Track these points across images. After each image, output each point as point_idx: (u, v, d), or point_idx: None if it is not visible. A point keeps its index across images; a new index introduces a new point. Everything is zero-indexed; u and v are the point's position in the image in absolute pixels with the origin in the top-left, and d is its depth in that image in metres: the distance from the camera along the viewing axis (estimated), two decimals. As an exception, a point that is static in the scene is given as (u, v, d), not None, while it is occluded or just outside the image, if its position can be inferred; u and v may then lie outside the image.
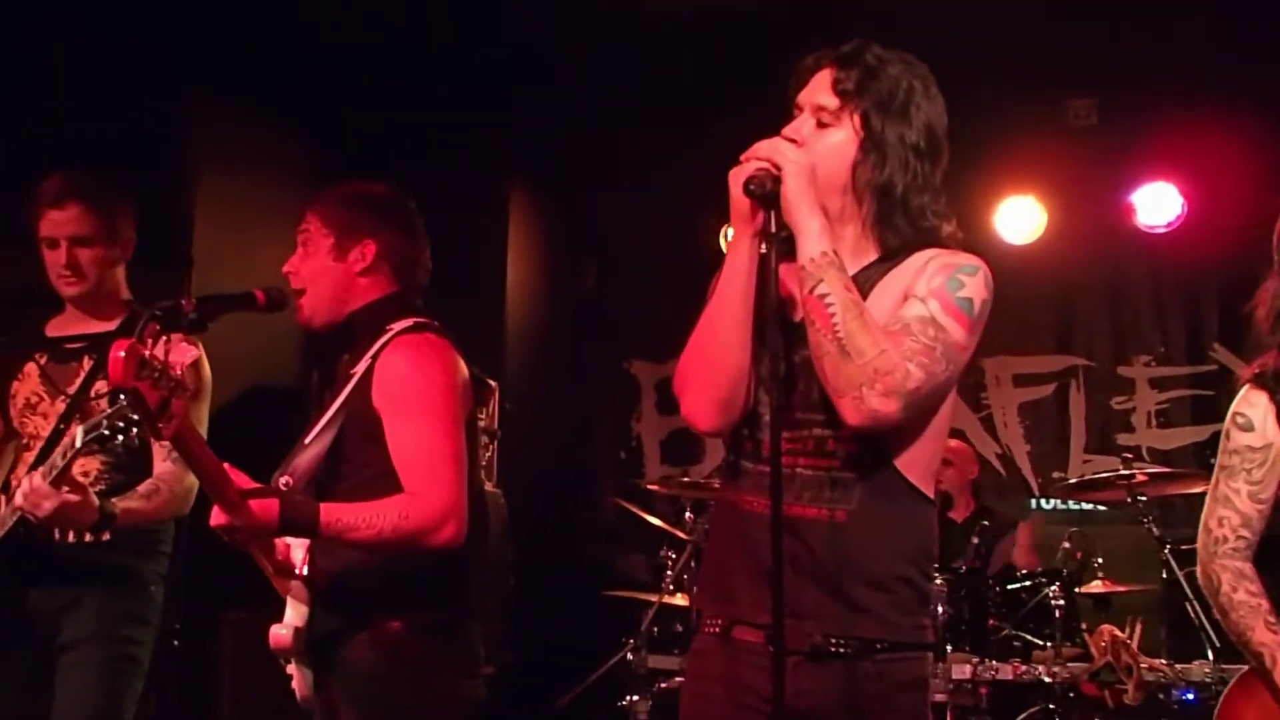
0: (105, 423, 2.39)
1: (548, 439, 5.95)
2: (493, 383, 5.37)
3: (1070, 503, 5.57)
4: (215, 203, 4.65)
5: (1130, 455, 4.28)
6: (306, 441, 2.31)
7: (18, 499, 2.56)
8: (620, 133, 5.53)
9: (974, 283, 1.87)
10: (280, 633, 2.32)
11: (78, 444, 2.43)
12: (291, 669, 2.40)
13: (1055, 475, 5.70)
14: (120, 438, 2.41)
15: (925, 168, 1.91)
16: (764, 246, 1.81)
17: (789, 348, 1.86)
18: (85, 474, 2.76)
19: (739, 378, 1.86)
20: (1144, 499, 4.12)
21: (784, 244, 1.81)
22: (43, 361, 2.90)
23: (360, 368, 2.33)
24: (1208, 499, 2.29)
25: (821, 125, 1.89)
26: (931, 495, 1.92)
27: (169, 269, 4.28)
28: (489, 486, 5.26)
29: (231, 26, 4.40)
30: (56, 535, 2.75)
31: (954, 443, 5.37)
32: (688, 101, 5.24)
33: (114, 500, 2.68)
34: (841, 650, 1.82)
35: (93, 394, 2.77)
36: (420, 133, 5.28)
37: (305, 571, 2.35)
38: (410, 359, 2.29)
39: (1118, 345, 5.85)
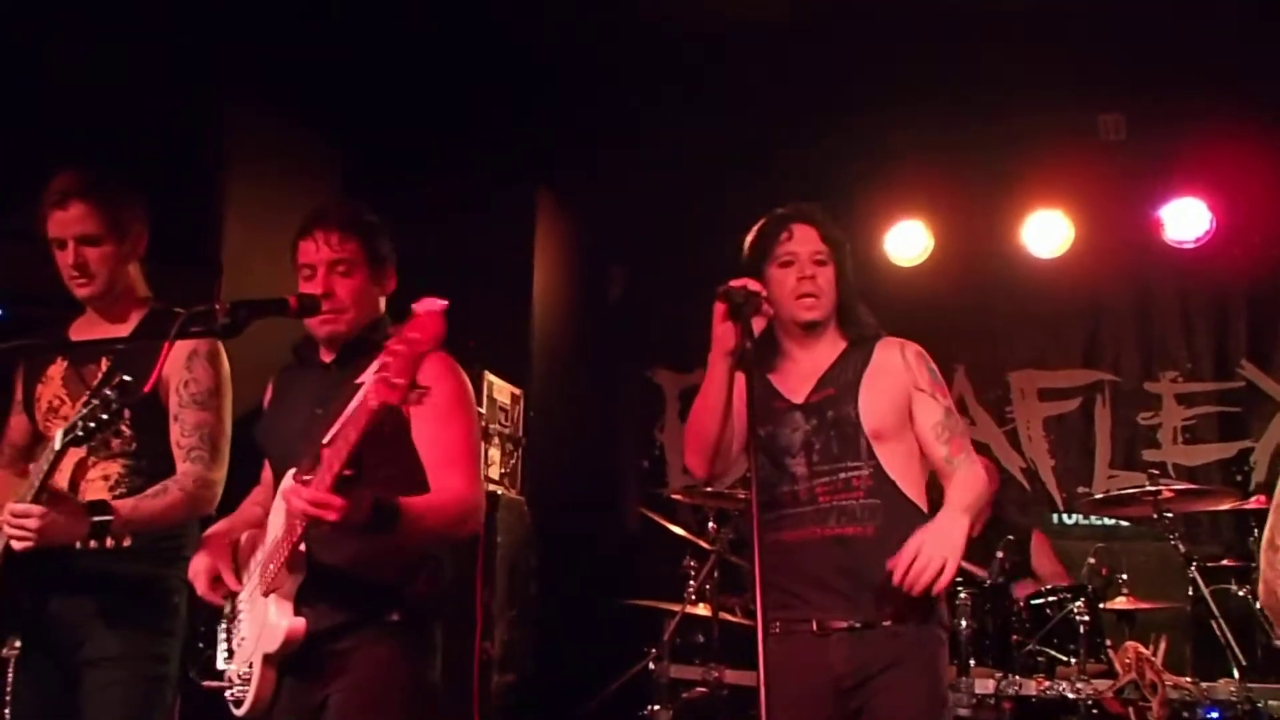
0: (80, 423, 2.40)
1: (572, 447, 5.96)
2: (518, 391, 5.39)
3: (1095, 518, 5.54)
4: (245, 207, 4.68)
5: (1156, 471, 4.24)
6: (325, 441, 2.34)
7: (6, 529, 2.51)
8: (646, 142, 5.55)
9: (934, 364, 2.74)
10: (297, 624, 2.34)
11: (56, 446, 2.43)
12: (252, 672, 2.40)
13: (1080, 490, 5.65)
14: (97, 435, 2.43)
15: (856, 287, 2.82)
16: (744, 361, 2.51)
17: (799, 423, 2.68)
18: (106, 477, 2.75)
19: (721, 447, 2.65)
20: (1170, 515, 4.09)
21: (753, 352, 2.49)
22: (65, 364, 2.86)
23: (370, 376, 2.40)
24: (1264, 547, 2.23)
25: (819, 264, 2.72)
26: (925, 509, 2.65)
27: (199, 273, 4.33)
28: (513, 494, 5.29)
29: (260, 34, 4.43)
30: (77, 544, 2.67)
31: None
32: (715, 110, 5.26)
33: (111, 501, 2.63)
34: (871, 625, 2.55)
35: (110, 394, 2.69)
36: (447, 141, 5.32)
37: (286, 573, 2.38)
38: (442, 372, 2.42)
39: (1145, 360, 5.81)
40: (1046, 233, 5.69)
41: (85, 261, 2.80)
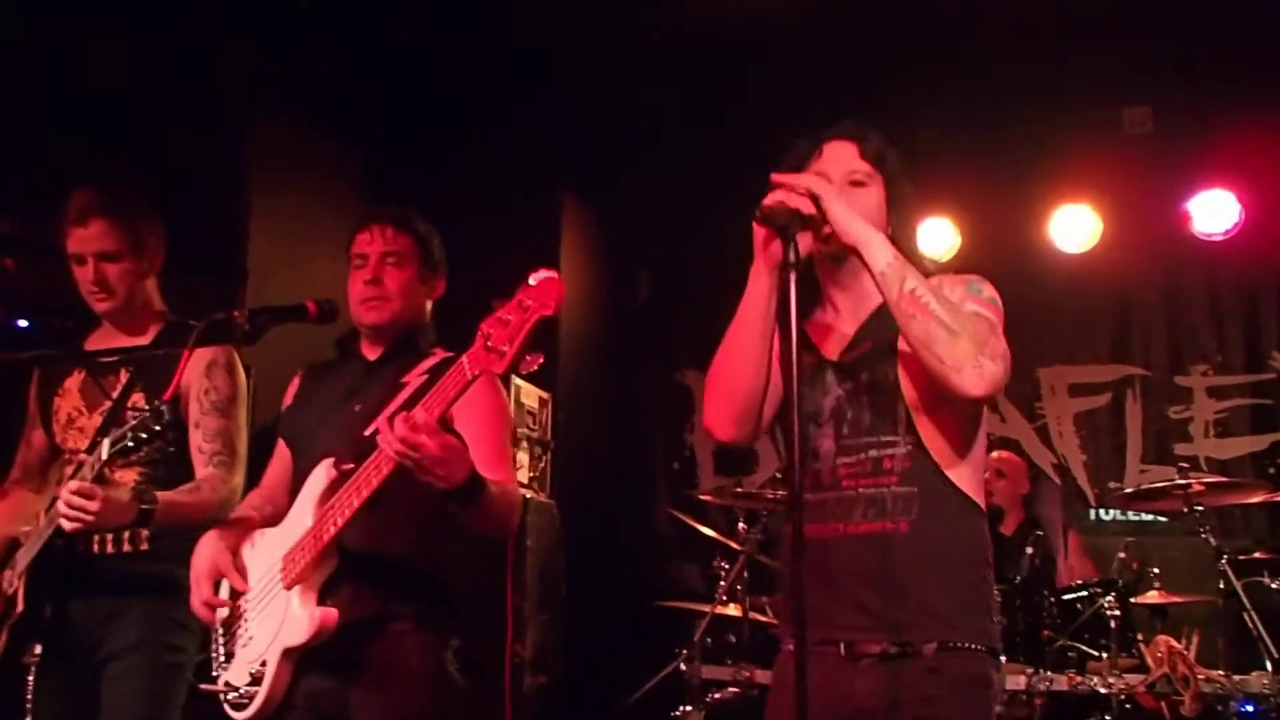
0: (129, 434, 2.43)
1: (601, 450, 5.98)
2: (545, 395, 5.43)
3: (1128, 513, 5.51)
4: (270, 216, 4.70)
5: (1187, 465, 4.21)
6: (366, 433, 2.37)
7: (60, 506, 2.54)
8: (670, 143, 5.57)
9: (988, 288, 2.12)
10: (329, 614, 2.33)
11: (104, 456, 2.46)
12: (265, 670, 2.37)
13: (1112, 485, 5.62)
14: (144, 448, 2.46)
15: (917, 221, 2.24)
16: (788, 278, 1.92)
17: (831, 385, 2.13)
18: (123, 484, 2.76)
19: (752, 399, 2.09)
20: (1201, 509, 4.07)
21: (799, 273, 1.93)
22: (83, 375, 2.88)
23: (415, 378, 2.51)
24: None
25: (856, 185, 2.14)
26: (982, 505, 2.10)
27: (224, 282, 4.35)
28: (542, 497, 5.32)
29: (284, 43, 4.46)
30: (95, 546, 2.75)
31: (1007, 454, 5.34)
32: (739, 112, 5.27)
33: (155, 492, 2.66)
34: (908, 651, 2.01)
35: (129, 406, 2.76)
36: (471, 146, 5.34)
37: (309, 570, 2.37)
38: (490, 382, 2.44)
39: (1175, 354, 5.76)
40: (1074, 228, 5.67)
41: (105, 278, 2.83)
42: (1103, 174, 5.54)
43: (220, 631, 2.54)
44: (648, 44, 4.92)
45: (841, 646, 2.03)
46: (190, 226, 3.09)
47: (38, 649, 2.75)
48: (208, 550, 2.50)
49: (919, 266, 2.06)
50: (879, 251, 1.99)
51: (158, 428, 2.44)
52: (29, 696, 2.72)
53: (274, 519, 2.58)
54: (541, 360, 2.04)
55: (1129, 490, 4.57)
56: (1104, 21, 4.70)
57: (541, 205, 5.77)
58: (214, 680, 2.52)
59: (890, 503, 2.04)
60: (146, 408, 2.47)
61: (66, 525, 2.56)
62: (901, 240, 2.10)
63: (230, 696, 2.46)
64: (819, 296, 2.19)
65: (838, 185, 2.10)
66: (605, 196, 6.10)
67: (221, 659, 2.52)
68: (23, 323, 3.85)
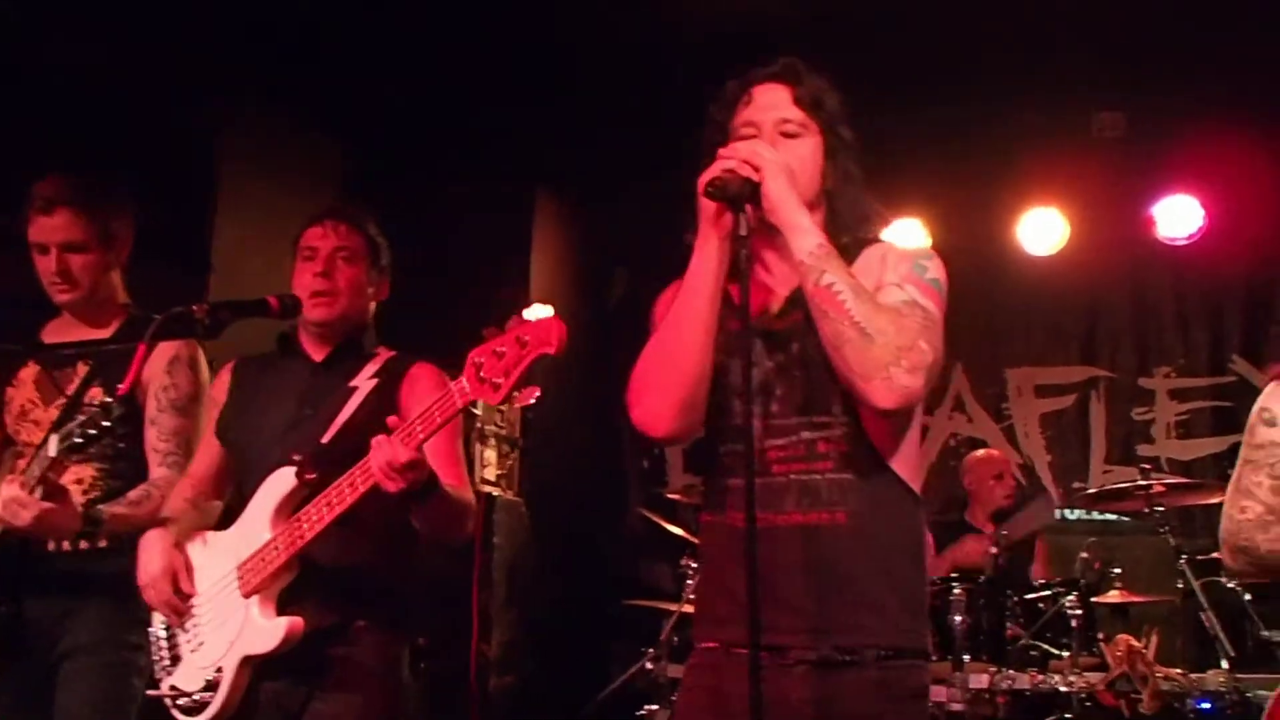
0: (77, 429, 2.38)
1: (570, 448, 5.95)
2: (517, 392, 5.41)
3: (1092, 513, 5.55)
4: (239, 209, 4.65)
5: (1149, 466, 4.26)
6: (325, 441, 2.41)
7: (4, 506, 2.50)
8: (644, 139, 5.55)
9: (934, 265, 1.95)
10: (295, 623, 2.33)
11: (52, 452, 2.41)
12: (220, 676, 2.36)
13: (1076, 485, 5.68)
14: (94, 445, 2.40)
15: (862, 172, 2.01)
16: (739, 249, 1.82)
17: (760, 356, 1.89)
18: (80, 481, 2.72)
19: (701, 381, 1.88)
20: (1162, 509, 4.11)
21: (748, 247, 1.83)
22: (38, 368, 2.83)
23: (363, 381, 2.53)
24: (1229, 491, 2.22)
25: (787, 136, 1.95)
26: (919, 494, 1.95)
27: (190, 275, 4.30)
28: (510, 495, 5.30)
29: (255, 32, 4.40)
30: (51, 544, 2.69)
31: (994, 453, 5.34)
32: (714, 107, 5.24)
33: (102, 507, 2.62)
34: (848, 659, 1.83)
35: (86, 401, 2.69)
36: (445, 141, 5.30)
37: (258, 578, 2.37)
38: (438, 382, 2.47)
39: (1140, 356, 5.83)
40: (1043, 230, 5.71)
41: (68, 268, 2.77)
42: (1072, 177, 5.58)
43: (163, 635, 2.52)
44: (622, 41, 4.90)
45: (774, 650, 1.79)
46: (156, 217, 3.03)
47: None
48: (158, 548, 2.47)
49: (860, 223, 1.97)
50: (802, 239, 1.83)
51: (106, 424, 2.38)
52: None
53: (208, 514, 2.61)
54: (538, 394, 2.07)
55: (1092, 490, 4.62)
56: (1077, 26, 4.74)
57: (514, 200, 5.74)
58: (155, 684, 2.50)
59: (825, 491, 1.85)
60: (97, 404, 2.43)
61: (14, 528, 2.52)
62: (838, 194, 1.97)
63: (181, 702, 2.43)
64: (750, 255, 1.88)
65: (768, 135, 1.94)
66: (579, 192, 6.07)
67: (166, 662, 2.50)
68: None
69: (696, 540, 4.74)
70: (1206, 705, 3.65)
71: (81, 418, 2.39)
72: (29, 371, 2.85)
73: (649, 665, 4.65)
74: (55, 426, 2.60)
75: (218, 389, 2.71)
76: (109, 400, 2.41)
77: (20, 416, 2.83)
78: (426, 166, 5.44)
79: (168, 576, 2.45)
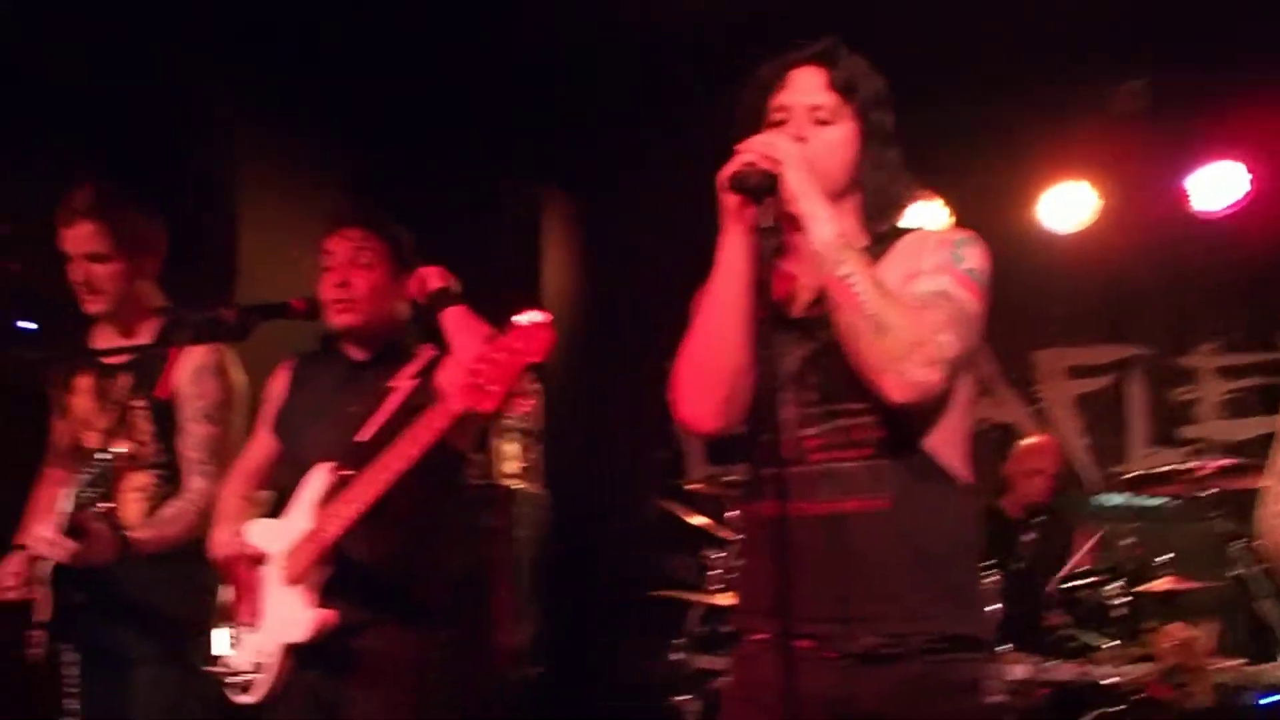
0: (87, 486, 2.54)
1: (591, 441, 5.94)
2: (535, 385, 5.34)
3: (1132, 498, 5.39)
4: (258, 212, 4.71)
5: (1194, 447, 4.10)
6: (366, 440, 2.50)
7: (35, 545, 2.67)
8: (654, 134, 5.47)
9: (973, 253, 1.90)
10: (328, 615, 2.42)
11: (68, 508, 2.55)
12: (267, 660, 2.47)
13: (1114, 470, 5.51)
14: (104, 500, 2.57)
15: (900, 156, 1.98)
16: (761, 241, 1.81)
17: (792, 345, 1.90)
18: (141, 489, 2.81)
19: (741, 374, 1.88)
20: (1209, 492, 3.96)
21: (773, 239, 1.83)
22: (91, 377, 2.92)
23: (403, 381, 2.61)
24: (1266, 475, 2.08)
25: (820, 123, 1.92)
26: (967, 479, 1.89)
27: (213, 279, 4.37)
28: (532, 488, 5.30)
29: (267, 36, 4.46)
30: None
31: (1046, 442, 5.19)
32: (727, 99, 5.13)
33: (134, 534, 2.72)
34: (894, 651, 1.79)
35: (132, 407, 2.81)
36: (454, 141, 5.27)
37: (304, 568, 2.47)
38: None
39: (1179, 334, 5.63)
40: (1068, 206, 5.55)
41: (92, 278, 2.86)
42: (1097, 150, 5.42)
43: (228, 614, 2.60)
44: (630, 37, 4.85)
45: (816, 642, 1.78)
46: (181, 226, 3.10)
47: (68, 654, 2.78)
48: (227, 542, 2.62)
49: (895, 211, 1.95)
50: (819, 229, 1.80)
51: (101, 489, 2.55)
52: (67, 704, 2.76)
53: (259, 504, 2.73)
54: (533, 404, 2.10)
55: (1134, 474, 4.48)
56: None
57: (523, 199, 5.75)
58: (214, 660, 2.62)
59: (864, 478, 1.82)
60: (109, 454, 2.55)
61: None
62: (872, 181, 1.93)
63: (232, 680, 2.56)
64: (782, 246, 1.91)
65: (799, 121, 1.91)
66: (589, 188, 6.02)
67: (227, 639, 2.59)
68: (29, 325, 3.90)
69: (717, 531, 4.74)
70: (1268, 698, 3.49)
71: (87, 476, 2.53)
72: (85, 381, 2.94)
73: (677, 656, 4.61)
74: (108, 434, 2.76)
75: (276, 386, 2.80)
76: (111, 452, 2.55)
77: (83, 424, 2.92)
78: (436, 169, 5.42)
79: (239, 556, 2.56)
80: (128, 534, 2.71)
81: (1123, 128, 5.31)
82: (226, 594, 2.62)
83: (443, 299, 2.52)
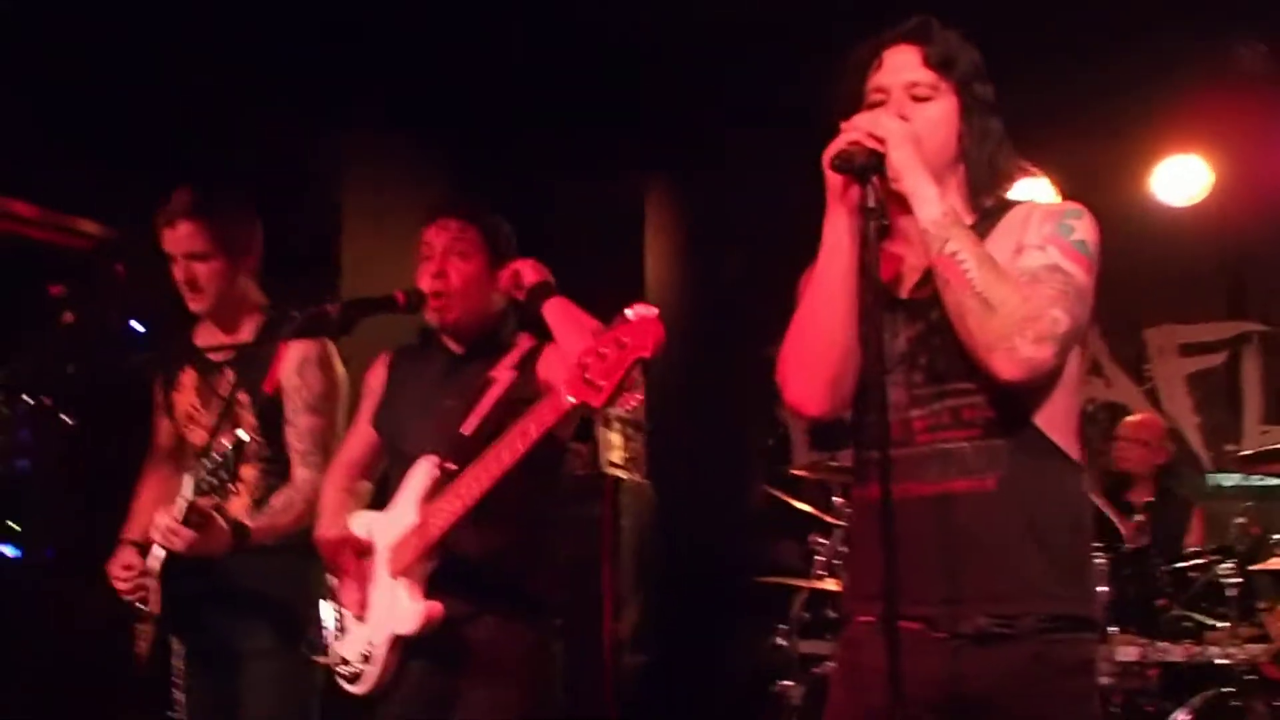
0: (207, 474, 2.51)
1: (695, 430, 5.94)
2: (638, 376, 5.40)
3: (1248, 477, 5.23)
4: (362, 210, 4.79)
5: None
6: (468, 433, 2.47)
7: (154, 534, 2.67)
8: (755, 120, 5.47)
9: (1083, 225, 1.85)
10: (435, 607, 2.41)
11: (188, 494, 2.55)
12: (375, 651, 2.45)
13: (1228, 448, 5.35)
14: (225, 487, 2.53)
15: (1002, 128, 1.94)
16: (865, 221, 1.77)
17: (900, 326, 1.87)
18: (246, 481, 2.83)
19: (847, 356, 1.85)
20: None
21: (878, 219, 1.78)
22: (195, 374, 2.95)
23: (503, 372, 2.56)
24: None
25: (918, 100, 1.89)
26: (1077, 458, 1.87)
27: (320, 277, 4.45)
28: (636, 478, 5.33)
29: (367, 34, 4.52)
30: None
31: (1149, 418, 5.11)
32: (827, 81, 5.11)
33: (248, 522, 2.72)
34: (1006, 631, 1.77)
35: (238, 403, 2.81)
36: (553, 132, 5.31)
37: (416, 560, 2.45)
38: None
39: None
40: (1181, 179, 5.41)
41: (194, 277, 2.89)
42: (1211, 120, 5.23)
43: (334, 605, 2.61)
44: (726, 24, 4.82)
45: (925, 623, 1.77)
46: (286, 224, 3.14)
47: (178, 648, 2.84)
48: (334, 538, 2.60)
49: (1001, 183, 1.90)
50: (926, 208, 1.78)
51: (225, 474, 2.52)
52: (175, 696, 2.81)
53: (360, 497, 2.72)
54: (640, 399, 2.07)
55: (1249, 452, 4.35)
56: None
57: (626, 185, 5.74)
58: (324, 651, 2.61)
59: (974, 458, 1.79)
60: (230, 444, 2.53)
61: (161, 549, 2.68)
62: (976, 155, 1.89)
63: (343, 670, 2.54)
64: (887, 226, 1.85)
65: (898, 99, 1.88)
66: (691, 174, 6.03)
67: (336, 632, 2.60)
68: (138, 326, 3.96)
69: (823, 517, 4.75)
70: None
71: (209, 465, 2.51)
72: (189, 377, 2.97)
73: (781, 641, 4.63)
74: (213, 432, 2.74)
75: (375, 379, 2.79)
76: (234, 443, 2.52)
77: (187, 420, 2.96)
78: (539, 156, 5.46)
79: (347, 547, 2.55)
80: (246, 523, 2.70)
81: (1241, 93, 5.14)
82: (333, 585, 2.61)
83: (542, 291, 2.50)
